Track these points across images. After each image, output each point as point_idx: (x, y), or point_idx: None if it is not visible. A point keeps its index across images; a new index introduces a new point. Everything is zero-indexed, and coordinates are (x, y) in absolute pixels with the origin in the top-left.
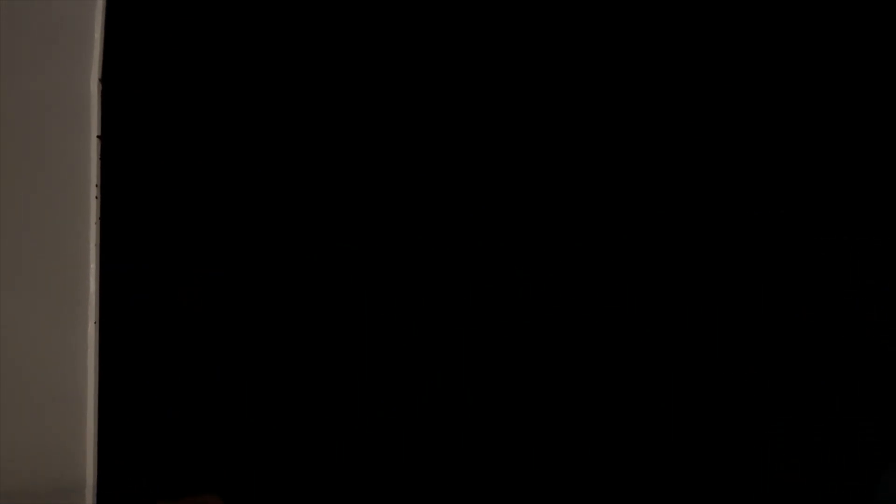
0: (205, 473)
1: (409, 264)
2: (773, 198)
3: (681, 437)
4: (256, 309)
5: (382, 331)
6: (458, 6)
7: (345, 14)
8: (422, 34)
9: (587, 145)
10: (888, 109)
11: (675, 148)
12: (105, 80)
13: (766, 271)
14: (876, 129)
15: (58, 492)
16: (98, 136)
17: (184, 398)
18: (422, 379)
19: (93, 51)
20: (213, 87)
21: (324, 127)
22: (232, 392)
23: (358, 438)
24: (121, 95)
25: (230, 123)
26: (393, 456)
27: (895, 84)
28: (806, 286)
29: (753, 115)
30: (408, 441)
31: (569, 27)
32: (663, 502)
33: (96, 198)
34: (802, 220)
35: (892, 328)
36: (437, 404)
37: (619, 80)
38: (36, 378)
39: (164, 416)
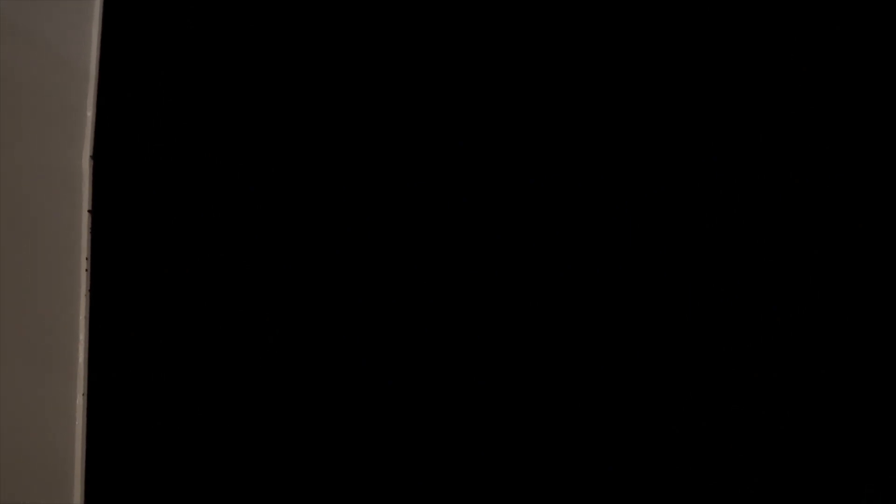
0: None
1: (409, 264)
2: (773, 197)
3: (680, 437)
4: (244, 380)
5: (381, 331)
6: (458, 6)
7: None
8: (421, 34)
9: (587, 145)
10: (888, 109)
11: (676, 148)
12: (96, 156)
13: (766, 271)
14: (876, 129)
15: None
16: (89, 211)
17: (170, 469)
18: (422, 379)
19: (85, 129)
20: (200, 166)
21: (307, 175)
22: (219, 454)
23: (358, 441)
24: (111, 171)
25: (217, 200)
26: (393, 456)
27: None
28: (806, 286)
29: (753, 115)
30: (408, 441)
31: (569, 27)
32: (663, 502)
33: (86, 270)
34: (802, 220)
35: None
36: (438, 404)
37: (619, 80)
38: (25, 448)
39: (150, 487)
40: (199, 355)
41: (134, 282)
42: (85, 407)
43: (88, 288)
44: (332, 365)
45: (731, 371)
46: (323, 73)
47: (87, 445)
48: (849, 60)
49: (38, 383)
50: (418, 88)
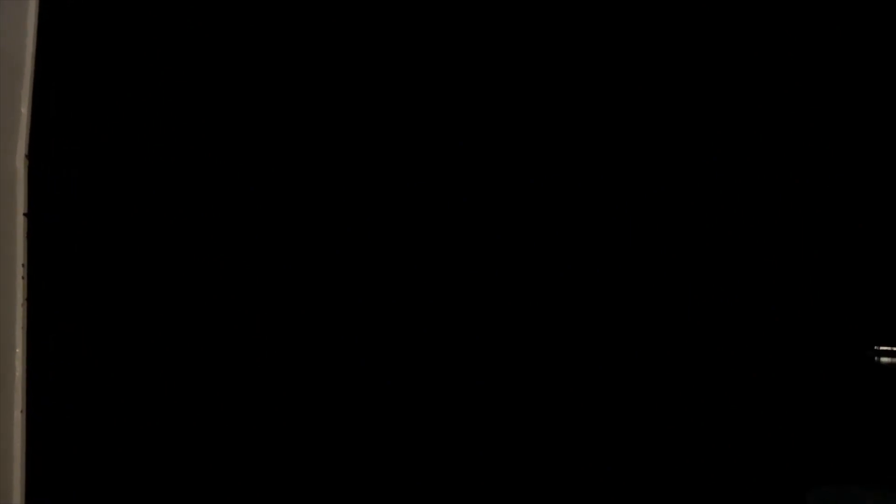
0: None
1: (408, 264)
2: (773, 197)
3: (680, 437)
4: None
5: (381, 330)
6: (459, 6)
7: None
8: (421, 35)
9: (587, 145)
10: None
11: (676, 148)
12: (32, 155)
13: (765, 271)
14: (876, 130)
15: None
16: (25, 214)
17: (118, 490)
18: (421, 378)
19: (20, 126)
20: (146, 162)
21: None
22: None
23: (358, 440)
24: (49, 171)
25: (163, 195)
26: (392, 456)
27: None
28: (805, 286)
29: (753, 115)
30: (407, 441)
31: (569, 27)
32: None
33: (23, 278)
34: (802, 220)
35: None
36: (437, 404)
37: (619, 81)
38: None
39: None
40: (150, 364)
41: (76, 288)
42: (24, 424)
43: (25, 297)
44: (329, 364)
45: (731, 371)
46: (314, 72)
47: (27, 467)
48: (849, 60)
49: None
50: (418, 89)
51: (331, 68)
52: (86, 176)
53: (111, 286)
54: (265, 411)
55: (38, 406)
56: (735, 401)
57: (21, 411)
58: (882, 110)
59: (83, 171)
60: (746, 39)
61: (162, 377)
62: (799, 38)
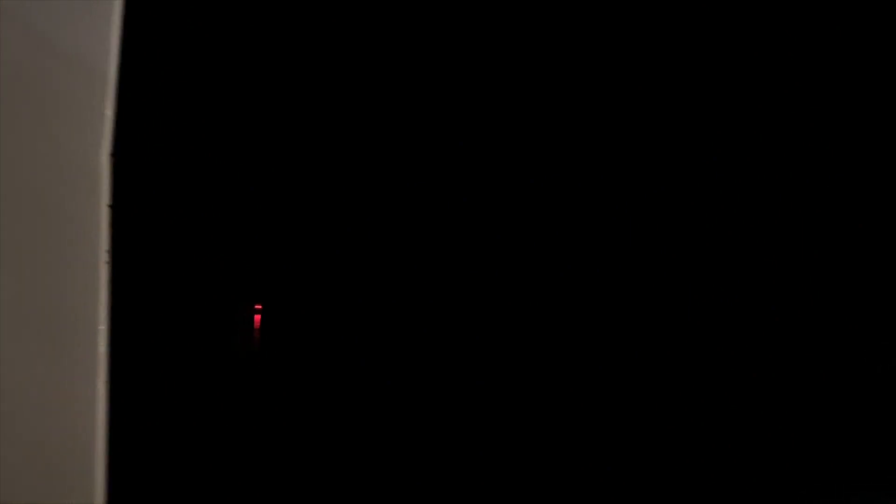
0: None
1: (408, 264)
2: (772, 197)
3: (679, 437)
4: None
5: (380, 330)
6: (459, 7)
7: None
8: (421, 35)
9: (587, 145)
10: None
11: (676, 148)
12: (115, 154)
13: (765, 271)
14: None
15: None
16: (109, 206)
17: (188, 449)
18: (421, 378)
19: (104, 128)
20: (215, 162)
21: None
22: (235, 440)
23: (358, 439)
24: (129, 168)
25: (230, 189)
26: (392, 455)
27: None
28: (805, 286)
29: (753, 116)
30: (407, 441)
31: (569, 27)
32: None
33: (106, 262)
34: (802, 220)
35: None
36: (437, 404)
37: (619, 81)
38: (48, 432)
39: (167, 468)
40: (214, 343)
41: (152, 272)
42: (106, 393)
43: (109, 279)
44: (329, 364)
45: (731, 371)
46: (331, 77)
47: (109, 430)
48: (848, 61)
49: (60, 370)
50: (419, 89)
51: (331, 68)
52: (162, 172)
53: (183, 269)
54: (277, 405)
55: (118, 377)
56: (735, 401)
57: (104, 382)
58: (882, 110)
59: (160, 167)
60: (746, 39)
61: (223, 355)
62: (799, 37)
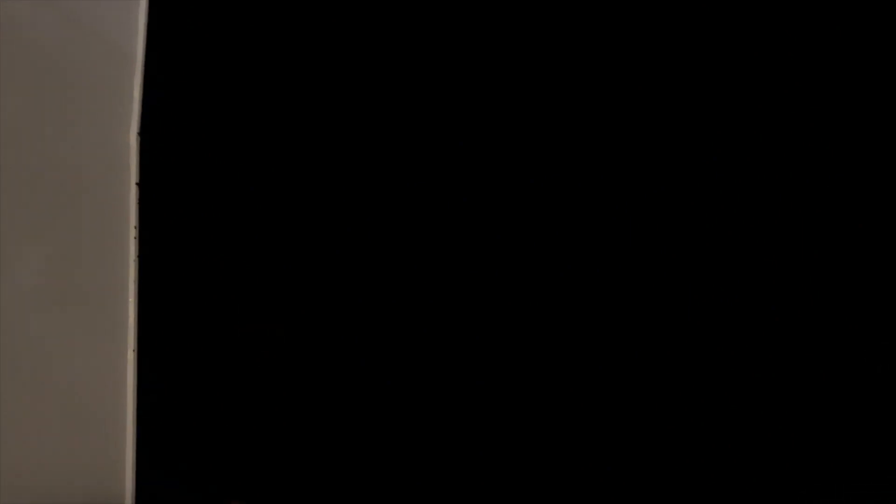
0: (230, 481)
1: (408, 264)
2: (773, 198)
3: (680, 437)
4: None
5: (380, 331)
6: (459, 7)
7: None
8: (422, 36)
9: (587, 145)
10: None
11: (676, 148)
12: (143, 133)
13: (765, 271)
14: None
15: None
16: (137, 184)
17: (212, 414)
18: (420, 379)
19: (132, 108)
20: (237, 143)
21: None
22: (255, 401)
23: (373, 439)
24: (156, 147)
25: (256, 170)
26: (391, 456)
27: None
28: (805, 287)
29: (753, 116)
30: (407, 441)
31: (569, 27)
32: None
33: (135, 238)
34: (802, 221)
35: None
36: (436, 404)
37: (619, 81)
38: (80, 396)
39: (195, 431)
40: (234, 315)
41: (177, 248)
42: (135, 361)
43: (137, 254)
44: (328, 364)
45: (731, 371)
46: (337, 72)
47: (138, 395)
48: (849, 61)
49: (92, 339)
50: (419, 89)
51: (329, 69)
52: (188, 151)
53: (208, 245)
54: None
55: (146, 346)
56: (735, 401)
57: (133, 350)
58: (881, 111)
59: (186, 147)
60: (746, 40)
61: (245, 336)
62: (798, 38)
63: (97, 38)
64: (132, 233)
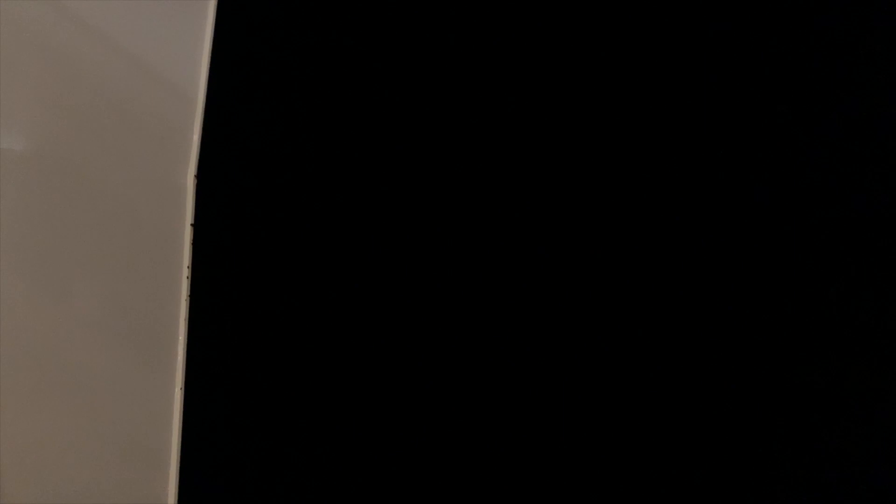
0: None
1: (409, 264)
2: (773, 198)
3: (680, 438)
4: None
5: (380, 331)
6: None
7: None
8: (423, 36)
9: (587, 146)
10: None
11: (675, 148)
12: (200, 175)
13: (766, 272)
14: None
15: None
16: (191, 224)
17: (257, 456)
18: (421, 379)
19: (190, 150)
20: (292, 188)
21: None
22: (302, 445)
23: (359, 440)
24: (212, 189)
25: (311, 215)
26: (392, 456)
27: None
28: (805, 287)
29: (754, 117)
30: (407, 441)
31: (569, 27)
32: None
33: (187, 278)
34: (803, 221)
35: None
36: (437, 404)
37: (619, 81)
38: (126, 432)
39: (238, 472)
40: (284, 359)
41: (228, 290)
42: (181, 399)
43: (188, 294)
44: (328, 364)
45: (731, 372)
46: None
47: (183, 433)
48: (848, 61)
49: (141, 377)
50: (421, 89)
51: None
52: (244, 195)
53: (259, 289)
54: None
55: (193, 385)
56: (735, 401)
57: (180, 388)
58: (881, 112)
59: (243, 189)
60: (746, 40)
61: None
62: (799, 38)
63: (160, 80)
64: (185, 272)
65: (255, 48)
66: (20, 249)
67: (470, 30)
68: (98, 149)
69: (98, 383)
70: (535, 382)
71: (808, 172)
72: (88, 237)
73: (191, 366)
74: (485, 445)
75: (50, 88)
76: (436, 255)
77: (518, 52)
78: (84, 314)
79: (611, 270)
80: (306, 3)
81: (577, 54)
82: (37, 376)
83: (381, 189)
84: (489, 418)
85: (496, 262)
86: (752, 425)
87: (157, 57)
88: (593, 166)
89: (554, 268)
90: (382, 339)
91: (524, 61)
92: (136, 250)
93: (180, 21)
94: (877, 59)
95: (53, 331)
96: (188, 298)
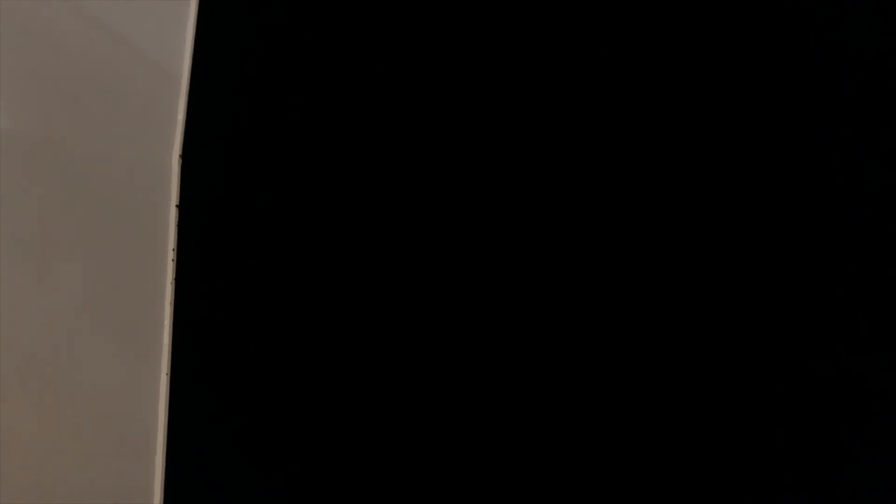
0: None
1: (409, 265)
2: (773, 199)
3: (681, 438)
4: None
5: (381, 332)
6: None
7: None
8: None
9: (587, 146)
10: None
11: (676, 149)
12: (185, 155)
13: (766, 273)
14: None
15: None
16: (176, 206)
17: (245, 442)
18: (421, 380)
19: (175, 130)
20: (279, 169)
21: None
22: (290, 429)
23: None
24: (198, 170)
25: (300, 198)
26: (392, 457)
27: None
28: (806, 287)
29: (754, 117)
30: (407, 442)
31: (569, 27)
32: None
33: (172, 260)
34: (803, 222)
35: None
36: (436, 405)
37: (619, 81)
38: (112, 417)
39: (226, 458)
40: (272, 343)
41: (214, 272)
42: (168, 384)
43: (174, 277)
44: (327, 364)
45: (732, 372)
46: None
47: (169, 417)
48: (848, 61)
49: (126, 362)
50: (421, 89)
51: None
52: (230, 175)
53: (247, 271)
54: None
55: (179, 370)
56: (736, 402)
57: (166, 374)
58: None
59: (229, 170)
60: (747, 40)
61: (283, 355)
62: (798, 38)
63: (143, 59)
64: (170, 255)
65: (240, 26)
66: None
67: (467, 28)
68: (81, 129)
69: (81, 369)
70: (535, 382)
71: (808, 172)
72: (71, 219)
73: (177, 351)
74: (484, 446)
75: (31, 67)
76: (423, 241)
77: (518, 52)
78: (66, 298)
79: (611, 270)
80: None
81: (576, 54)
82: (17, 363)
83: (370, 172)
84: (489, 418)
85: (494, 260)
86: (752, 425)
87: (141, 35)
88: (593, 166)
89: (554, 268)
90: (372, 323)
91: (522, 60)
92: (120, 232)
93: None
94: (877, 58)
95: (34, 315)
96: (174, 282)
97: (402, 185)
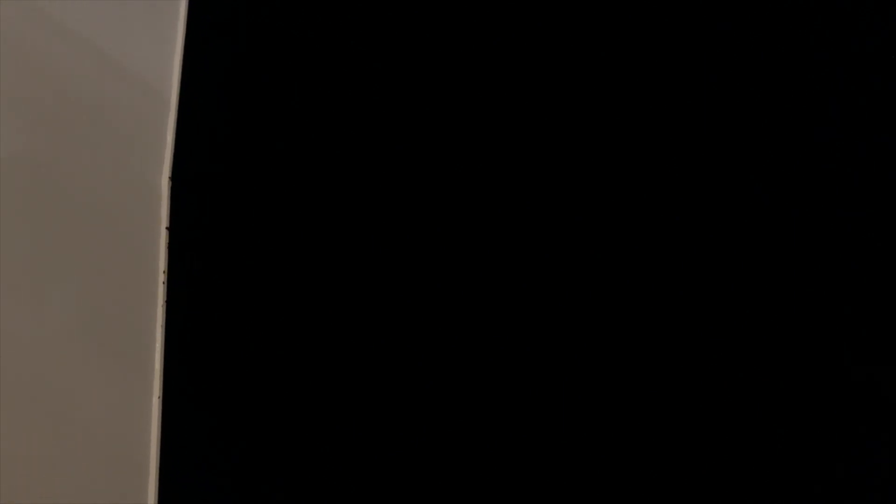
0: None
1: (410, 266)
2: (774, 199)
3: (681, 438)
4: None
5: (380, 332)
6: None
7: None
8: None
9: (587, 147)
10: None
11: (676, 149)
12: (174, 177)
13: (766, 273)
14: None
15: None
16: (166, 228)
17: (236, 466)
18: (421, 380)
19: (164, 151)
20: (270, 189)
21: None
22: (281, 455)
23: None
24: (187, 191)
25: (290, 219)
26: (392, 457)
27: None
28: (806, 288)
29: (754, 117)
30: (408, 442)
31: (569, 27)
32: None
33: (163, 283)
34: (803, 222)
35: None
36: (437, 405)
37: (619, 81)
38: (103, 441)
39: (218, 481)
40: (263, 364)
41: (206, 294)
42: (160, 408)
43: (165, 299)
44: (326, 364)
45: (733, 372)
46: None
47: (162, 440)
48: (848, 61)
49: (117, 385)
50: (422, 90)
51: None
52: (220, 197)
53: (238, 293)
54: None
55: (171, 393)
56: (736, 402)
57: (158, 397)
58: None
59: (218, 191)
60: (747, 40)
61: (280, 373)
62: (799, 38)
63: (131, 81)
64: (161, 277)
65: (227, 46)
66: None
67: (468, 28)
68: (69, 151)
69: (73, 392)
70: (535, 382)
71: (808, 172)
72: (61, 242)
73: (168, 374)
74: (483, 448)
75: (19, 89)
76: (422, 253)
77: (517, 52)
78: (57, 321)
79: (611, 270)
80: (278, 0)
81: (576, 54)
82: (8, 387)
83: (362, 189)
84: (488, 419)
85: (493, 259)
86: (751, 425)
87: (128, 56)
88: (593, 166)
89: (554, 267)
90: (363, 344)
91: (522, 60)
92: (110, 255)
93: (152, 19)
94: (877, 58)
95: (25, 339)
96: (164, 304)
97: (395, 200)
